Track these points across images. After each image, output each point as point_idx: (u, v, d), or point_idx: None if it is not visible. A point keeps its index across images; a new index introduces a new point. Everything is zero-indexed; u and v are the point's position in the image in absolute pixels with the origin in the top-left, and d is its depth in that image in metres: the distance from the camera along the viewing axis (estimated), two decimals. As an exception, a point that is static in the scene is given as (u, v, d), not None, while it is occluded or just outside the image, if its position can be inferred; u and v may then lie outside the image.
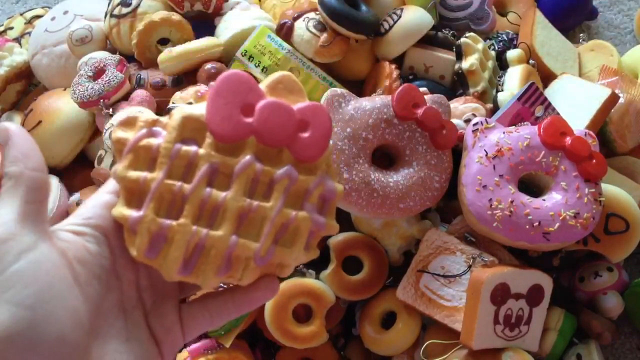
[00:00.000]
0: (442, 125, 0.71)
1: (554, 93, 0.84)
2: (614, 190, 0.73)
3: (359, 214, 0.71)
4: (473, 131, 0.70)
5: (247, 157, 0.35)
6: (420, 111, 0.70)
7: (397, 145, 0.71)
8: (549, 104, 0.76)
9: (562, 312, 0.73)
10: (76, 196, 0.80)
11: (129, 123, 0.35)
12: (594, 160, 0.68)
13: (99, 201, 0.35)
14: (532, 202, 0.67)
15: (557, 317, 0.73)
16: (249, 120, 0.35)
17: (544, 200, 0.68)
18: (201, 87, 0.77)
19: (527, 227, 0.66)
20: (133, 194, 0.34)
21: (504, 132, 0.70)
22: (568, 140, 0.69)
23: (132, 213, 0.34)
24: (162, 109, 0.77)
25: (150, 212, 0.34)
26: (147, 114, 0.36)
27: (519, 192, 0.68)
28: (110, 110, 0.78)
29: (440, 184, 0.71)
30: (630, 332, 0.83)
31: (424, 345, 0.70)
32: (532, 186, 0.72)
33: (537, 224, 0.66)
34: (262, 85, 0.36)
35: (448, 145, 0.72)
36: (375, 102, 0.71)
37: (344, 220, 0.79)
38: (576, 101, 0.80)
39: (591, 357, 0.73)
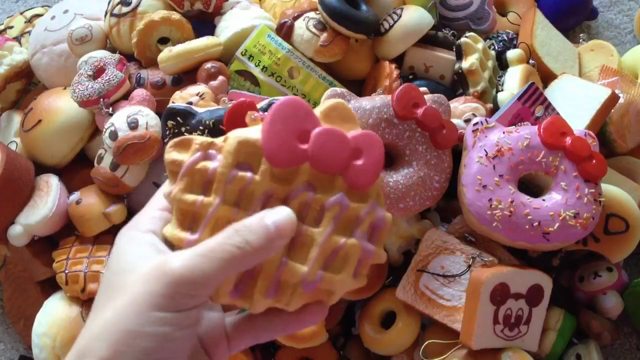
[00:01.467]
0: (442, 125, 0.71)
1: (554, 93, 0.84)
2: (614, 190, 0.73)
3: None
4: (473, 131, 0.70)
5: (300, 185, 0.36)
6: (420, 111, 0.70)
7: (397, 145, 0.71)
8: (549, 104, 0.76)
9: (562, 312, 0.73)
10: (76, 195, 0.80)
11: (183, 145, 0.36)
12: (594, 161, 0.68)
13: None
14: (532, 202, 0.67)
15: (556, 317, 0.73)
16: (304, 147, 0.35)
17: (543, 200, 0.68)
18: (201, 87, 0.77)
19: (527, 227, 0.66)
20: (186, 216, 0.35)
21: (504, 132, 0.70)
22: (568, 140, 0.69)
23: (188, 235, 0.34)
24: (162, 108, 0.77)
25: (206, 235, 0.34)
26: (202, 137, 0.36)
27: (519, 192, 0.68)
28: (110, 109, 0.78)
29: (440, 184, 0.71)
30: (629, 332, 0.83)
31: (424, 345, 0.70)
32: (532, 186, 0.72)
33: (536, 224, 0.66)
34: (317, 112, 0.37)
35: (448, 145, 0.72)
36: (375, 102, 0.71)
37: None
38: (576, 101, 0.80)
39: (590, 357, 0.73)
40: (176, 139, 0.36)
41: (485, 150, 0.69)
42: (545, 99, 0.76)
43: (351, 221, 0.36)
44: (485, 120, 0.71)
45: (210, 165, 0.35)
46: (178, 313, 0.31)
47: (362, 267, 0.37)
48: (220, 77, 0.78)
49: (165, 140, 0.71)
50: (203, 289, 0.32)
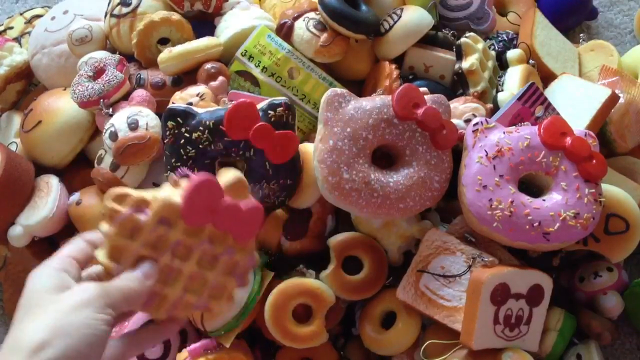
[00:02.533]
0: (442, 125, 0.71)
1: (554, 93, 0.84)
2: (614, 190, 0.73)
3: (359, 214, 0.71)
4: (473, 131, 0.70)
5: (204, 241, 0.50)
6: (420, 111, 0.70)
7: (397, 145, 0.71)
8: (549, 104, 0.76)
9: (562, 312, 0.73)
10: (76, 196, 0.80)
11: (121, 198, 0.47)
12: (594, 161, 0.68)
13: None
14: (532, 202, 0.67)
15: (557, 318, 0.73)
16: (210, 214, 0.49)
17: (544, 200, 0.68)
18: (201, 88, 0.77)
19: (527, 227, 0.66)
20: (115, 251, 0.47)
21: (504, 132, 0.70)
22: (568, 140, 0.69)
23: (114, 266, 0.47)
24: (162, 109, 0.77)
25: (127, 268, 0.48)
26: (136, 193, 0.47)
27: (519, 192, 0.68)
28: (110, 110, 0.78)
29: (440, 184, 0.71)
30: (630, 332, 0.83)
31: (424, 346, 0.70)
32: (532, 186, 0.72)
33: (537, 224, 0.66)
34: (221, 183, 0.50)
35: (448, 146, 0.72)
36: (376, 102, 0.71)
37: (344, 220, 0.79)
38: (576, 101, 0.80)
39: (591, 357, 0.73)
40: (115, 193, 0.47)
41: (485, 150, 0.69)
42: (545, 99, 0.76)
43: (232, 265, 0.53)
44: (486, 120, 0.71)
45: (141, 217, 0.47)
46: (103, 315, 0.45)
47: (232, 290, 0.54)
48: (220, 78, 0.78)
49: (165, 141, 0.71)
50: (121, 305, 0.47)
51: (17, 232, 0.79)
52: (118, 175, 0.77)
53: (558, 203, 0.67)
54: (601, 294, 0.78)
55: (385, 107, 0.70)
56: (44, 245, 0.83)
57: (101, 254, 0.48)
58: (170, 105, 0.73)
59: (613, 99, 0.78)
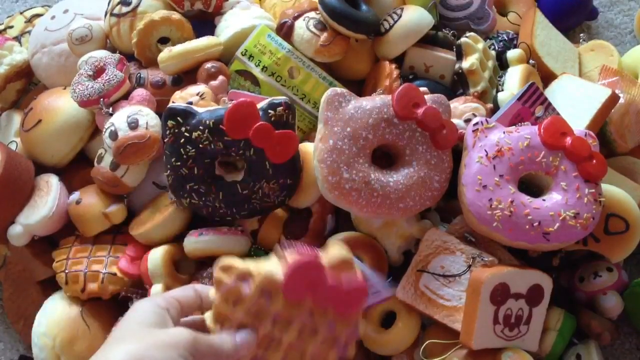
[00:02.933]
0: (442, 125, 0.71)
1: (554, 93, 0.84)
2: (614, 190, 0.73)
3: (358, 213, 0.71)
4: (473, 131, 0.70)
5: (303, 315, 0.53)
6: (420, 111, 0.70)
7: (397, 145, 0.71)
8: (549, 104, 0.76)
9: (562, 312, 0.73)
10: (76, 195, 0.80)
11: (228, 269, 0.52)
12: (594, 161, 0.68)
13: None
14: (532, 202, 0.67)
15: (557, 318, 0.73)
16: (312, 292, 0.52)
17: (543, 200, 0.68)
18: (201, 87, 0.77)
19: (527, 227, 0.66)
20: (219, 316, 0.51)
21: (504, 132, 0.70)
22: (568, 140, 0.69)
23: (217, 329, 0.51)
24: (162, 108, 0.77)
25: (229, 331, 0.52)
26: (242, 265, 0.51)
27: (519, 192, 0.68)
28: (110, 109, 0.78)
29: (440, 184, 0.71)
30: (629, 332, 0.83)
31: (424, 345, 0.70)
32: (531, 186, 0.72)
33: (537, 224, 0.66)
34: (326, 260, 0.52)
35: (448, 145, 0.72)
36: (376, 102, 0.71)
37: (344, 220, 0.79)
38: (576, 101, 0.80)
39: (591, 357, 0.73)
40: (223, 263, 0.52)
41: (485, 150, 0.69)
42: (546, 99, 0.76)
43: (333, 339, 0.55)
44: (486, 120, 0.71)
45: (244, 289, 0.51)
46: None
47: None
48: (220, 77, 0.78)
49: (165, 140, 0.71)
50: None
51: (17, 231, 0.79)
52: (118, 174, 0.77)
53: (558, 203, 0.67)
54: (601, 294, 0.78)
55: (385, 107, 0.70)
56: (44, 245, 0.83)
57: (208, 317, 0.52)
58: (170, 104, 0.73)
59: (613, 99, 0.78)
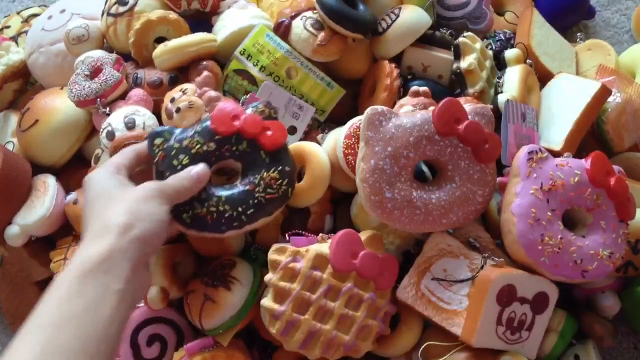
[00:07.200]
0: (485, 139, 0.69)
1: (551, 92, 0.84)
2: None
3: (402, 229, 0.71)
4: (528, 160, 0.69)
5: (349, 284, 0.66)
6: (462, 127, 0.68)
7: (439, 161, 0.70)
8: (526, 112, 0.78)
9: (564, 314, 0.73)
10: (73, 195, 0.80)
11: (281, 250, 0.66)
12: (630, 200, 0.70)
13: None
14: (575, 239, 0.68)
15: (558, 319, 0.72)
16: (354, 262, 0.65)
17: (583, 237, 0.69)
18: (189, 86, 0.76)
19: (571, 264, 0.67)
20: (278, 294, 0.64)
21: (556, 165, 0.69)
22: (612, 180, 0.69)
23: (277, 307, 0.64)
24: (159, 108, 0.77)
25: (289, 309, 0.64)
26: (292, 247, 0.67)
27: (565, 229, 0.68)
28: (107, 109, 0.78)
29: (483, 198, 0.70)
30: (627, 332, 0.83)
31: (423, 347, 0.69)
32: (566, 219, 0.71)
33: (579, 261, 0.67)
34: (362, 238, 0.67)
35: (491, 159, 0.70)
36: (416, 119, 0.69)
37: (344, 219, 0.79)
38: (569, 97, 0.80)
39: (589, 358, 0.73)
40: (276, 246, 0.66)
41: (541, 182, 0.68)
42: (525, 106, 0.79)
43: (375, 309, 0.67)
44: (540, 149, 0.70)
45: (297, 265, 0.64)
46: (165, 206, 0.57)
47: (377, 336, 0.68)
48: (205, 73, 0.78)
49: (155, 161, 0.68)
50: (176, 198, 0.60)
51: (14, 231, 0.78)
52: (115, 174, 0.77)
53: (598, 242, 0.68)
54: (599, 292, 0.78)
55: (426, 124, 0.69)
56: (41, 245, 0.83)
57: (267, 301, 0.64)
58: (150, 130, 0.71)
59: (604, 92, 0.78)
